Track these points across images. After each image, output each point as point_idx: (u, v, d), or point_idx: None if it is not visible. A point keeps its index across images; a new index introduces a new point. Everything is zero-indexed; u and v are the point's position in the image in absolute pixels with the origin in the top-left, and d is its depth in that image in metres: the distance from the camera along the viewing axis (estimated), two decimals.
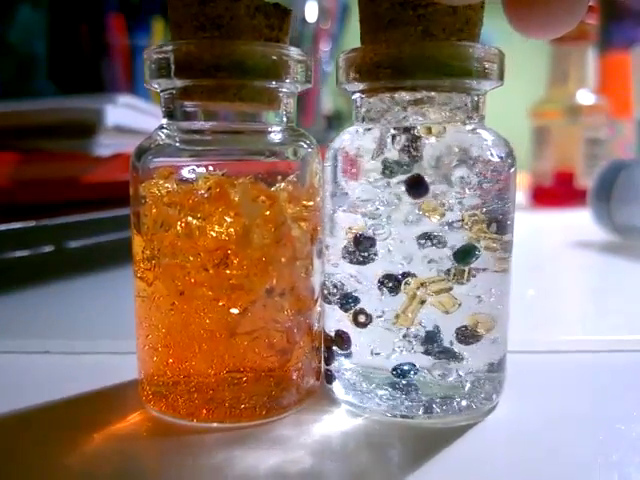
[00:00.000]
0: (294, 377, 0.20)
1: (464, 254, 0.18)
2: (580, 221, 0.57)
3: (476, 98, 0.19)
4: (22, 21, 0.58)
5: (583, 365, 0.24)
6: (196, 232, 0.18)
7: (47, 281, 0.37)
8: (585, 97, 0.78)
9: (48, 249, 0.36)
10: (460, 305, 0.19)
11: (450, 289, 0.18)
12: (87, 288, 0.37)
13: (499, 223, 0.19)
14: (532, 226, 0.65)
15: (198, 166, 0.19)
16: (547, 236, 0.60)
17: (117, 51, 0.59)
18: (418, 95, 0.19)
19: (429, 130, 0.19)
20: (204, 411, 0.19)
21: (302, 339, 0.20)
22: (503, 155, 0.19)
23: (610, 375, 0.23)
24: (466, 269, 0.19)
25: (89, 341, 0.27)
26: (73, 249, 0.38)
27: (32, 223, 0.35)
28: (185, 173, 0.19)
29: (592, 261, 0.47)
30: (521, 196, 0.82)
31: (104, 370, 0.23)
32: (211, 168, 0.19)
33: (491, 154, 0.19)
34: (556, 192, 0.79)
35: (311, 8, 0.74)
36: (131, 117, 0.42)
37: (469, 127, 0.19)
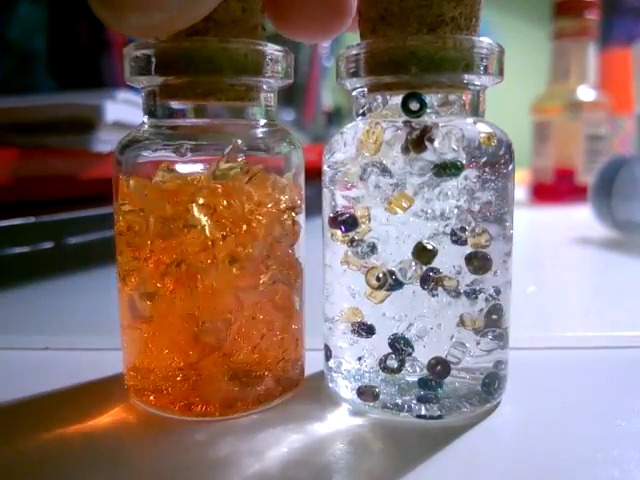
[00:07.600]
0: (277, 370, 0.20)
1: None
2: (581, 217, 0.57)
3: (476, 94, 0.19)
4: (22, 17, 0.58)
5: (584, 361, 0.24)
6: (185, 230, 0.18)
7: (47, 277, 0.37)
8: (586, 93, 0.78)
9: (48, 245, 0.36)
10: None
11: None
12: (87, 284, 0.37)
13: (497, 218, 0.19)
14: (532, 222, 0.65)
15: (184, 162, 0.19)
16: (547, 232, 0.60)
17: (117, 47, 0.59)
18: (418, 91, 0.18)
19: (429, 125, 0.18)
20: (191, 404, 0.19)
21: (283, 333, 0.20)
22: (502, 148, 0.19)
23: (611, 371, 0.23)
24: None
25: (89, 337, 0.27)
26: (73, 245, 0.38)
27: (32, 219, 0.35)
28: (175, 169, 0.19)
29: (592, 257, 0.47)
30: (522, 192, 0.82)
31: (103, 366, 0.23)
32: (198, 166, 0.19)
33: (489, 147, 0.19)
34: (557, 188, 0.79)
35: None
36: (130, 113, 0.42)
37: (469, 120, 0.19)
